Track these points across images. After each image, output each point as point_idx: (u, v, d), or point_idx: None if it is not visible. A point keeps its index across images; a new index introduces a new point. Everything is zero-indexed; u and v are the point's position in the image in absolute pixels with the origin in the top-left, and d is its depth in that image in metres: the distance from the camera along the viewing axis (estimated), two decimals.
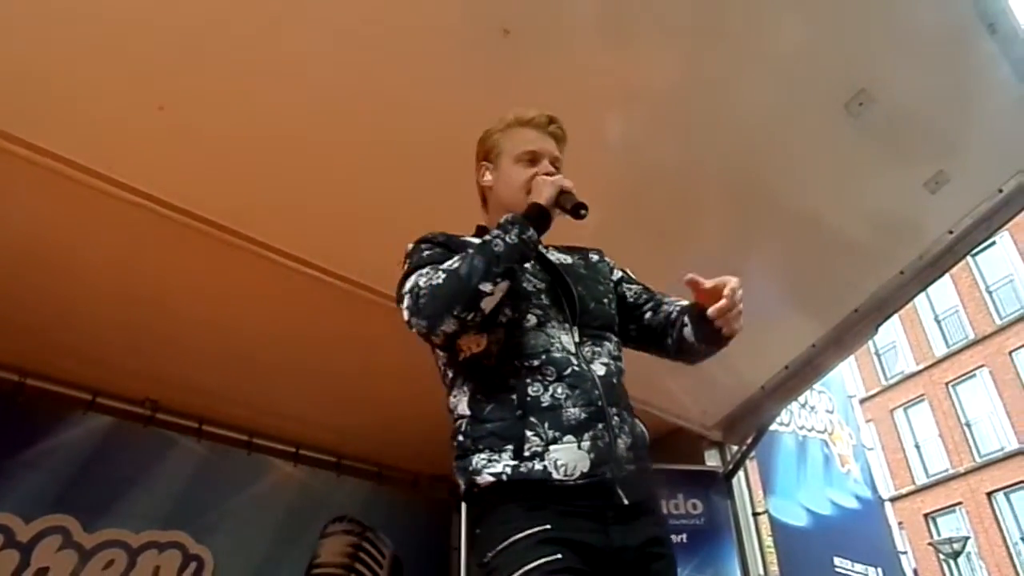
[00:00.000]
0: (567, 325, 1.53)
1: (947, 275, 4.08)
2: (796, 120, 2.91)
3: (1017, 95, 2.94)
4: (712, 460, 4.76)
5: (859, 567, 5.62)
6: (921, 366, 20.63)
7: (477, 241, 1.56)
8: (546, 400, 1.41)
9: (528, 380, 1.43)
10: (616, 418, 1.45)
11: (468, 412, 1.47)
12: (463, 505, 3.17)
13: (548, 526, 1.31)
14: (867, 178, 3.13)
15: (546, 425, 1.38)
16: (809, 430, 6.32)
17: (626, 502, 1.39)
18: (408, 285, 1.45)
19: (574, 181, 1.56)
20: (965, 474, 18.97)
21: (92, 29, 2.16)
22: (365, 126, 2.57)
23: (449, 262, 1.43)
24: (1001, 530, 18.02)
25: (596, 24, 2.45)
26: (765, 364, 4.24)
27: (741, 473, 4.73)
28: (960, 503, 19.03)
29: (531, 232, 1.46)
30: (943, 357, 20.17)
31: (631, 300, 1.72)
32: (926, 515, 19.72)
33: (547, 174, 1.60)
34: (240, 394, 4.12)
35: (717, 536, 4.43)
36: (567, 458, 1.36)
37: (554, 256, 1.67)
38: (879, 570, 5.84)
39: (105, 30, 2.17)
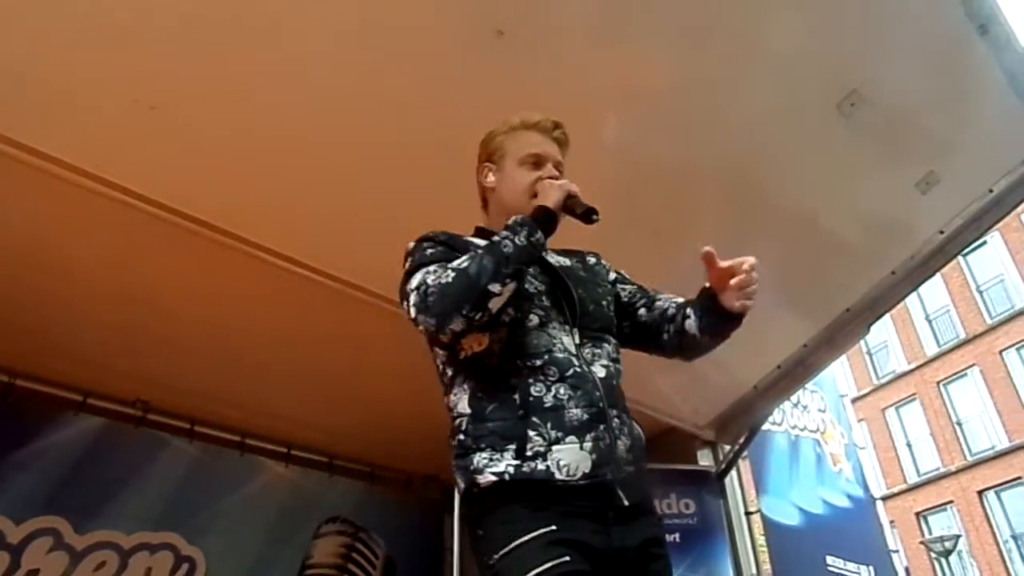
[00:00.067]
0: (567, 327, 1.53)
1: (938, 275, 4.10)
2: (788, 120, 2.92)
3: (1007, 96, 2.96)
4: (705, 459, 4.77)
5: (851, 566, 5.65)
6: (912, 365, 20.72)
7: (479, 242, 1.56)
8: (549, 400, 1.41)
9: (530, 380, 1.43)
10: (616, 420, 1.46)
11: (468, 410, 1.46)
12: (456, 505, 3.18)
13: (554, 527, 1.31)
14: (859, 178, 3.15)
15: (549, 425, 1.38)
16: (801, 429, 6.34)
17: (626, 503, 1.40)
18: (414, 282, 1.44)
19: (569, 181, 1.57)
20: (956, 473, 19.06)
21: (84, 29, 2.14)
22: (357, 126, 2.56)
23: (458, 261, 1.43)
24: (992, 528, 18.12)
25: (590, 25, 2.46)
26: (757, 363, 4.25)
27: (734, 472, 4.74)
28: (951, 501, 19.12)
29: (539, 235, 1.47)
30: (934, 356, 20.27)
31: (625, 299, 1.73)
32: (917, 514, 19.80)
33: (551, 178, 1.61)
34: (232, 394, 4.10)
35: (710, 535, 4.44)
36: (569, 458, 1.36)
37: (553, 259, 1.67)
38: (871, 569, 5.87)
39: (98, 30, 2.15)
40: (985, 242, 17.90)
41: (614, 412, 1.47)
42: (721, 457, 4.75)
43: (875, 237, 3.44)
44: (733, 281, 1.44)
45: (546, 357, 1.46)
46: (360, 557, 4.87)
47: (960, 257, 14.85)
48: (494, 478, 1.36)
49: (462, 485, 1.44)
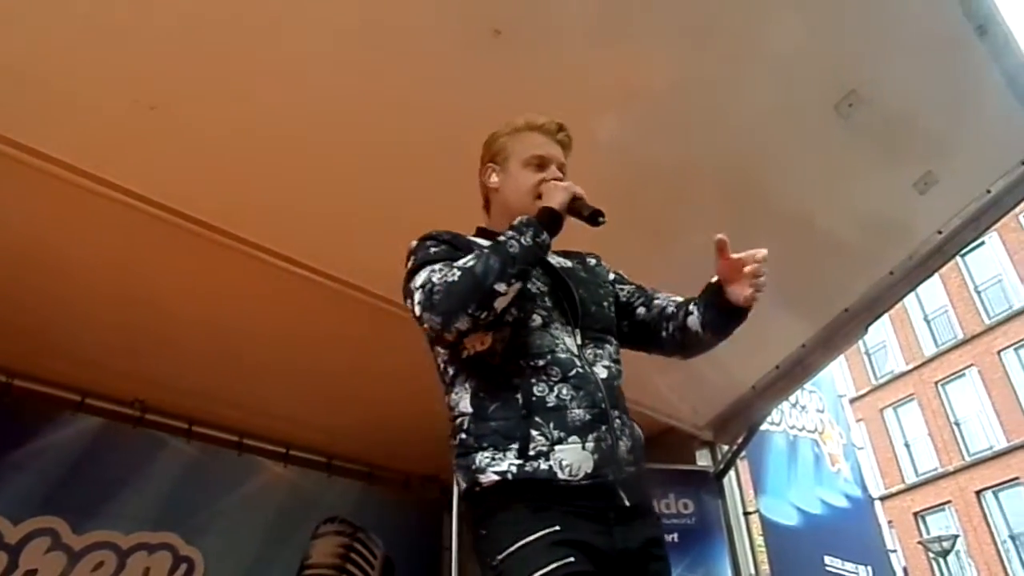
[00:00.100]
0: (569, 328, 1.54)
1: (936, 275, 4.11)
2: (787, 121, 2.92)
3: (1005, 97, 2.96)
4: (703, 460, 4.77)
5: (849, 566, 5.65)
6: (911, 366, 20.73)
7: (482, 242, 1.57)
8: (551, 400, 1.41)
9: (533, 380, 1.43)
10: (618, 420, 1.47)
11: (470, 409, 1.46)
12: (455, 505, 3.18)
13: (557, 527, 1.31)
14: (857, 179, 3.15)
15: (551, 425, 1.38)
16: (800, 430, 6.35)
17: (627, 503, 1.40)
18: (419, 280, 1.44)
19: (568, 180, 1.57)
20: (954, 473, 19.07)
21: (84, 29, 2.14)
22: (356, 126, 2.56)
23: (463, 260, 1.43)
24: (990, 528, 18.13)
25: (588, 25, 2.46)
26: (756, 364, 4.25)
27: (732, 472, 4.75)
28: (949, 501, 19.13)
29: (545, 235, 1.47)
30: (932, 357, 20.28)
31: (624, 299, 1.73)
32: (915, 514, 19.81)
33: (555, 180, 1.61)
34: (230, 394, 4.10)
35: (708, 535, 4.44)
36: (572, 458, 1.36)
37: (554, 260, 1.67)
38: (869, 569, 5.87)
39: (97, 30, 2.15)
40: (983, 242, 17.91)
41: (616, 413, 1.47)
42: (719, 457, 4.76)
43: (873, 237, 3.44)
44: (748, 268, 1.45)
45: (549, 357, 1.46)
46: (358, 557, 4.88)
47: (958, 257, 14.86)
48: (496, 477, 1.36)
49: (463, 484, 1.44)
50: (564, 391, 1.42)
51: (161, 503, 4.11)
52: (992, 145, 3.21)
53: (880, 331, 19.97)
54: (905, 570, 17.62)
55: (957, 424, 19.44)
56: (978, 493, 18.50)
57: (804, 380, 4.61)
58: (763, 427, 4.95)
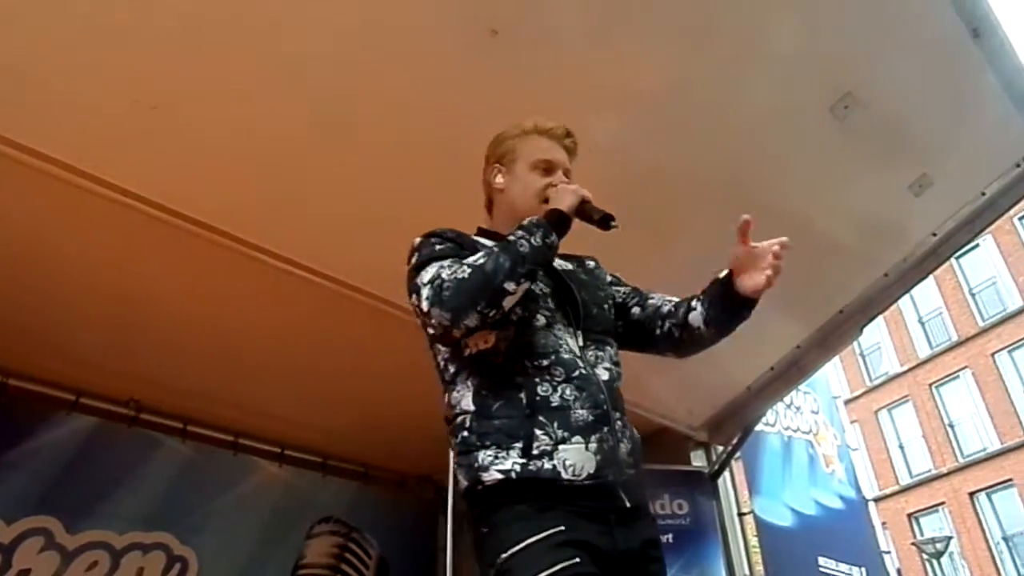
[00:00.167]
0: (572, 329, 1.54)
1: (931, 277, 4.12)
2: (783, 122, 2.92)
3: (1000, 99, 2.97)
4: (698, 460, 4.78)
5: (843, 567, 5.66)
6: (905, 367, 20.79)
7: (486, 242, 1.58)
8: (555, 400, 1.41)
9: (536, 379, 1.43)
10: (619, 422, 1.48)
11: (472, 407, 1.45)
12: (450, 506, 3.18)
13: (562, 528, 1.31)
14: (853, 180, 3.15)
15: (555, 425, 1.39)
16: (794, 431, 6.35)
17: (628, 504, 1.41)
18: (427, 276, 1.43)
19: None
20: (948, 474, 19.14)
21: (84, 29, 2.14)
22: (354, 127, 2.56)
23: (473, 258, 1.43)
24: (983, 530, 18.19)
25: (584, 25, 2.46)
26: (751, 365, 4.26)
27: (727, 473, 4.75)
28: (943, 503, 19.19)
29: (554, 237, 1.47)
30: (927, 359, 20.35)
31: (620, 300, 1.75)
32: (909, 515, 19.87)
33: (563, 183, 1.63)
34: (226, 394, 4.09)
35: (703, 536, 4.44)
36: (575, 458, 1.37)
37: (555, 262, 1.67)
38: (863, 570, 5.88)
39: (97, 30, 2.15)
40: (978, 245, 17.96)
41: (617, 415, 1.48)
42: (714, 458, 4.76)
43: (868, 239, 3.45)
44: (776, 248, 1.47)
45: (553, 357, 1.46)
46: (353, 557, 4.87)
47: (953, 259, 14.89)
48: (500, 476, 1.36)
49: (464, 483, 1.43)
50: (568, 391, 1.43)
51: (155, 503, 4.11)
52: (987, 148, 3.22)
53: (875, 333, 20.05)
54: (899, 571, 17.68)
55: (951, 426, 19.51)
56: (972, 495, 18.57)
57: (799, 381, 4.62)
58: (758, 428, 4.95)
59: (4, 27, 2.08)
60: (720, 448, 4.76)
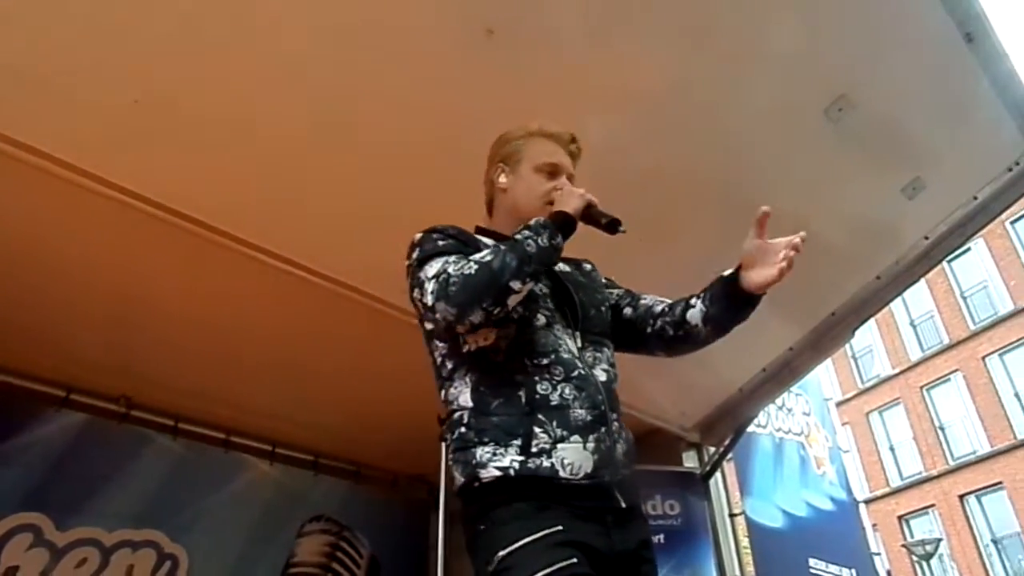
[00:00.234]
0: (570, 330, 1.55)
1: (923, 280, 4.14)
2: (778, 124, 2.93)
3: (993, 104, 2.98)
4: (690, 461, 4.78)
5: (833, 568, 5.68)
6: (897, 370, 20.87)
7: (487, 240, 1.58)
8: (555, 399, 1.42)
9: (536, 378, 1.44)
10: (615, 423, 1.49)
11: (471, 404, 1.46)
12: (441, 505, 3.17)
13: (560, 527, 1.31)
14: (846, 183, 3.16)
15: (554, 423, 1.39)
16: (786, 432, 6.37)
17: (623, 505, 1.42)
18: (433, 270, 1.43)
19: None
20: (938, 477, 19.22)
21: (84, 28, 2.13)
22: (352, 126, 2.56)
23: (480, 254, 1.43)
24: (973, 532, 18.28)
25: (580, 26, 2.46)
26: (743, 366, 4.27)
27: (718, 474, 4.76)
28: (933, 505, 19.27)
29: (560, 239, 1.49)
30: (918, 361, 20.43)
31: (612, 302, 1.76)
32: (900, 517, 19.95)
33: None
34: (219, 392, 4.08)
35: (694, 537, 4.45)
36: (573, 457, 1.37)
37: None
38: (853, 571, 5.90)
39: (97, 29, 2.14)
40: (969, 248, 18.05)
41: (614, 415, 1.49)
42: (706, 459, 4.77)
43: (861, 242, 3.46)
44: (796, 240, 1.48)
45: (552, 356, 1.47)
46: (344, 556, 4.86)
47: (944, 263, 14.97)
48: (498, 472, 1.36)
49: (461, 479, 1.43)
50: (567, 391, 1.43)
51: (146, 500, 4.08)
52: (980, 152, 3.23)
53: (866, 335, 20.11)
54: (889, 573, 17.77)
55: (942, 428, 19.59)
56: (961, 497, 18.66)
57: (791, 383, 4.63)
58: (749, 429, 4.96)
59: (4, 26, 2.07)
60: (712, 449, 4.77)
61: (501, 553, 1.30)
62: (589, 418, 1.42)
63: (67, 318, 3.35)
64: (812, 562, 5.51)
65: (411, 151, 2.60)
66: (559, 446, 1.37)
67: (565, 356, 1.48)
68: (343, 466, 5.06)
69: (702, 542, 4.45)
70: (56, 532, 3.72)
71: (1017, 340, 18.08)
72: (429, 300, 1.39)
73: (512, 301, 1.40)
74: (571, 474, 1.36)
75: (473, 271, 1.38)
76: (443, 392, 1.55)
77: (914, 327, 20.76)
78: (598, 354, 1.57)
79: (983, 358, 18.78)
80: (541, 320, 1.51)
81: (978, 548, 18.02)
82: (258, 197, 2.74)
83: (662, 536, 4.28)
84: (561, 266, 1.70)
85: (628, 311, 1.73)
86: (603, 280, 1.81)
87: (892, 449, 20.81)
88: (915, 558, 17.48)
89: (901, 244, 3.56)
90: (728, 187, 3.02)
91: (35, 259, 3.00)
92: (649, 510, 4.35)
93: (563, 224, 1.50)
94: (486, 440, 1.39)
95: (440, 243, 1.52)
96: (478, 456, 1.39)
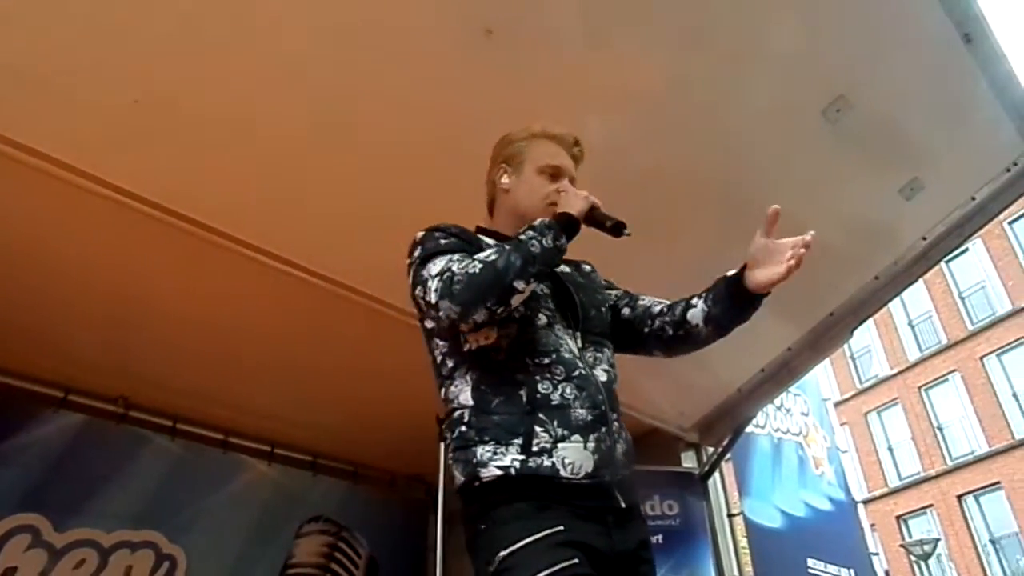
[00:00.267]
0: (571, 330, 1.56)
1: (921, 281, 4.14)
2: (776, 125, 2.93)
3: (991, 105, 2.98)
4: (688, 461, 4.78)
5: (832, 568, 5.68)
6: (895, 370, 20.89)
7: (489, 240, 1.59)
8: (556, 398, 1.42)
9: (537, 377, 1.44)
10: (615, 423, 1.49)
11: (471, 402, 1.45)
12: (440, 505, 3.17)
13: (562, 527, 1.31)
14: (844, 183, 3.16)
15: (555, 423, 1.39)
16: (784, 432, 6.37)
17: (623, 505, 1.42)
18: (437, 268, 1.43)
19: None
20: (936, 477, 19.25)
21: (84, 28, 2.12)
22: (350, 126, 2.55)
23: (484, 254, 1.43)
24: (971, 532, 18.31)
25: (581, 26, 2.46)
26: (741, 366, 4.27)
27: (717, 474, 4.75)
28: (931, 505, 19.30)
29: (564, 240, 1.49)
30: (916, 362, 20.46)
31: (611, 303, 1.76)
32: (898, 517, 19.97)
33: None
34: (217, 392, 4.08)
35: (692, 537, 4.45)
36: (574, 456, 1.37)
37: None
38: (851, 571, 5.90)
39: (97, 29, 2.13)
40: (967, 249, 18.08)
41: (614, 416, 1.49)
42: (704, 459, 4.76)
43: (859, 242, 3.46)
44: (808, 238, 1.48)
45: (554, 356, 1.47)
46: (343, 556, 4.86)
47: (942, 263, 14.99)
48: (499, 471, 1.36)
49: (461, 478, 1.42)
50: (568, 390, 1.44)
51: (144, 501, 4.08)
52: (978, 152, 3.23)
53: (865, 335, 20.14)
54: (887, 573, 17.79)
55: (940, 429, 19.62)
56: (960, 497, 18.68)
57: (789, 383, 4.63)
58: (748, 429, 4.96)
59: (4, 26, 2.07)
60: (711, 449, 4.77)
61: (502, 553, 1.30)
62: (590, 418, 1.42)
63: (65, 318, 3.34)
64: (810, 562, 5.50)
65: (411, 151, 2.60)
66: (560, 445, 1.37)
67: (566, 356, 1.48)
68: (341, 466, 5.06)
69: (700, 542, 4.45)
70: (54, 533, 3.72)
71: (1015, 340, 18.11)
72: (433, 298, 1.39)
73: (515, 301, 1.40)
74: (572, 473, 1.36)
75: (478, 270, 1.38)
76: (443, 390, 1.55)
77: (912, 327, 20.79)
78: (598, 354, 1.58)
79: (981, 358, 18.81)
80: (542, 319, 1.51)
81: (976, 548, 18.05)
82: (258, 197, 2.74)
83: (660, 536, 4.28)
84: (561, 267, 1.70)
85: (626, 311, 1.73)
86: (603, 281, 1.82)
87: (890, 449, 20.83)
88: (913, 558, 17.50)
89: (899, 244, 3.57)
90: (727, 187, 3.02)
91: (34, 259, 3.00)
92: (648, 510, 4.35)
93: (567, 225, 1.50)
94: (487, 439, 1.39)
95: (443, 241, 1.52)
96: (479, 455, 1.38)
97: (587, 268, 1.81)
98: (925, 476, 19.54)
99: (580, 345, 1.55)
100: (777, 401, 6.08)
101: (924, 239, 3.51)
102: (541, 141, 1.73)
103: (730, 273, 1.56)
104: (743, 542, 4.90)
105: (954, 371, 19.38)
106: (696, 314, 1.60)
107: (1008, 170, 3.26)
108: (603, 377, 1.53)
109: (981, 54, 2.81)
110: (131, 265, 3.06)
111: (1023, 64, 4.71)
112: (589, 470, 1.38)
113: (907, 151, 3.14)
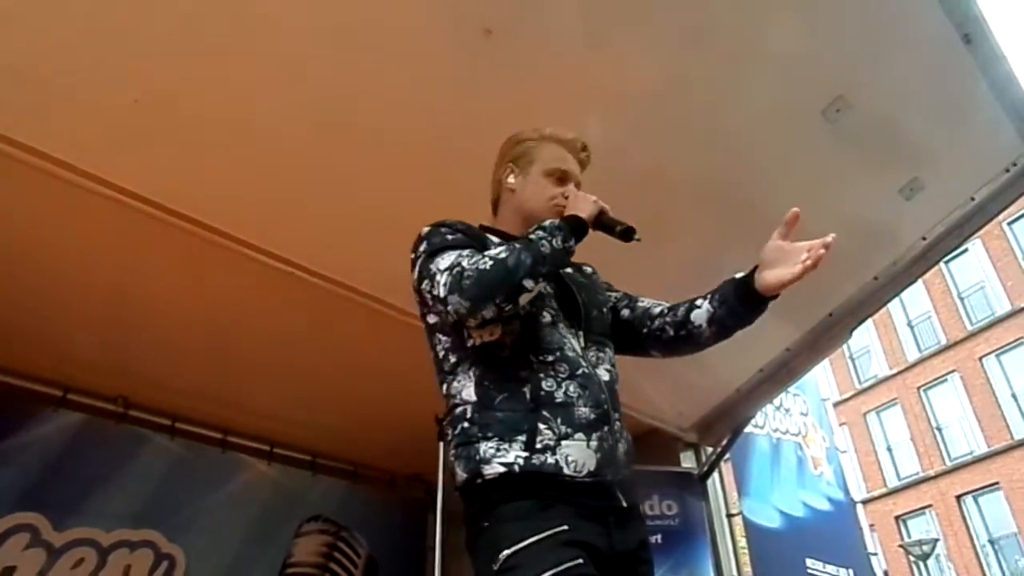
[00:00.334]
0: (574, 330, 1.56)
1: (920, 281, 4.14)
2: (774, 125, 2.93)
3: (991, 106, 2.99)
4: (687, 461, 4.78)
5: (831, 568, 5.68)
6: (894, 371, 20.90)
7: (494, 239, 1.59)
8: (559, 396, 1.42)
9: (541, 374, 1.44)
10: (618, 423, 1.50)
11: (474, 398, 1.45)
12: (439, 505, 3.17)
13: (566, 527, 1.31)
14: (843, 184, 3.16)
15: (559, 420, 1.39)
16: (783, 432, 6.37)
17: (624, 504, 1.42)
18: (445, 263, 1.43)
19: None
20: (935, 477, 19.25)
21: (84, 28, 2.12)
22: (350, 126, 2.55)
23: (494, 251, 1.43)
24: (970, 532, 18.31)
25: (580, 26, 2.46)
26: (741, 367, 4.27)
27: (716, 474, 4.76)
28: (930, 506, 19.30)
29: (572, 242, 1.50)
30: (915, 362, 20.46)
31: (611, 304, 1.76)
32: (897, 517, 19.98)
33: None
34: (216, 392, 4.08)
35: (692, 537, 4.45)
36: (577, 454, 1.37)
37: None
38: (850, 571, 5.90)
39: (97, 29, 2.13)
40: (967, 249, 18.09)
41: (616, 415, 1.50)
42: (704, 459, 4.77)
43: (858, 242, 3.46)
44: (828, 240, 1.45)
45: (558, 354, 1.47)
46: (342, 556, 4.86)
47: (942, 264, 15.01)
48: (503, 469, 1.35)
49: (463, 475, 1.41)
50: (571, 388, 1.44)
51: (143, 500, 4.08)
52: (977, 153, 3.24)
53: (864, 336, 20.14)
54: (886, 573, 17.79)
55: (939, 429, 19.62)
56: (959, 498, 18.69)
57: (788, 383, 4.63)
58: (747, 430, 4.96)
59: (4, 26, 2.07)
60: (710, 449, 4.77)
61: (506, 552, 1.29)
62: (593, 416, 1.42)
63: (65, 318, 3.34)
64: (809, 562, 5.51)
65: (411, 151, 2.60)
66: (563, 443, 1.37)
67: (570, 354, 1.49)
68: (341, 466, 5.06)
69: (699, 542, 4.46)
70: (53, 532, 3.72)
71: (1014, 340, 18.12)
72: (441, 292, 1.39)
73: (524, 299, 1.40)
74: (575, 471, 1.36)
75: (488, 267, 1.38)
76: (445, 386, 1.54)
77: (911, 328, 20.80)
78: (601, 354, 1.58)
79: (980, 359, 18.81)
80: (547, 318, 1.52)
81: (975, 548, 18.05)
82: (258, 197, 2.74)
83: (660, 536, 4.28)
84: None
85: (626, 312, 1.73)
86: (603, 283, 1.82)
87: (889, 449, 20.84)
88: (912, 558, 17.50)
89: (898, 245, 3.57)
90: (727, 187, 3.03)
91: (33, 259, 3.00)
92: (647, 510, 4.35)
93: (576, 228, 1.51)
94: (490, 435, 1.39)
95: (449, 237, 1.51)
96: (482, 452, 1.38)
97: (588, 270, 1.81)
98: (924, 476, 19.54)
99: (583, 344, 1.55)
100: (776, 401, 6.09)
101: (923, 239, 3.52)
102: (550, 144, 1.74)
103: (739, 275, 1.56)
104: (742, 542, 4.90)
105: (953, 371, 19.39)
106: (700, 315, 1.60)
107: (1007, 171, 3.26)
108: (605, 376, 1.53)
109: (981, 55, 2.81)
110: (131, 264, 3.06)
111: (1023, 65, 4.71)
112: (592, 468, 1.38)
113: (907, 151, 3.14)
